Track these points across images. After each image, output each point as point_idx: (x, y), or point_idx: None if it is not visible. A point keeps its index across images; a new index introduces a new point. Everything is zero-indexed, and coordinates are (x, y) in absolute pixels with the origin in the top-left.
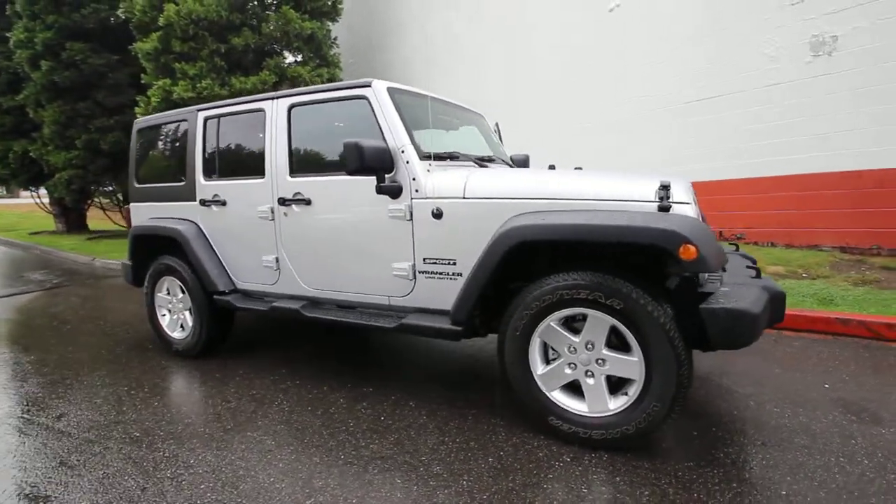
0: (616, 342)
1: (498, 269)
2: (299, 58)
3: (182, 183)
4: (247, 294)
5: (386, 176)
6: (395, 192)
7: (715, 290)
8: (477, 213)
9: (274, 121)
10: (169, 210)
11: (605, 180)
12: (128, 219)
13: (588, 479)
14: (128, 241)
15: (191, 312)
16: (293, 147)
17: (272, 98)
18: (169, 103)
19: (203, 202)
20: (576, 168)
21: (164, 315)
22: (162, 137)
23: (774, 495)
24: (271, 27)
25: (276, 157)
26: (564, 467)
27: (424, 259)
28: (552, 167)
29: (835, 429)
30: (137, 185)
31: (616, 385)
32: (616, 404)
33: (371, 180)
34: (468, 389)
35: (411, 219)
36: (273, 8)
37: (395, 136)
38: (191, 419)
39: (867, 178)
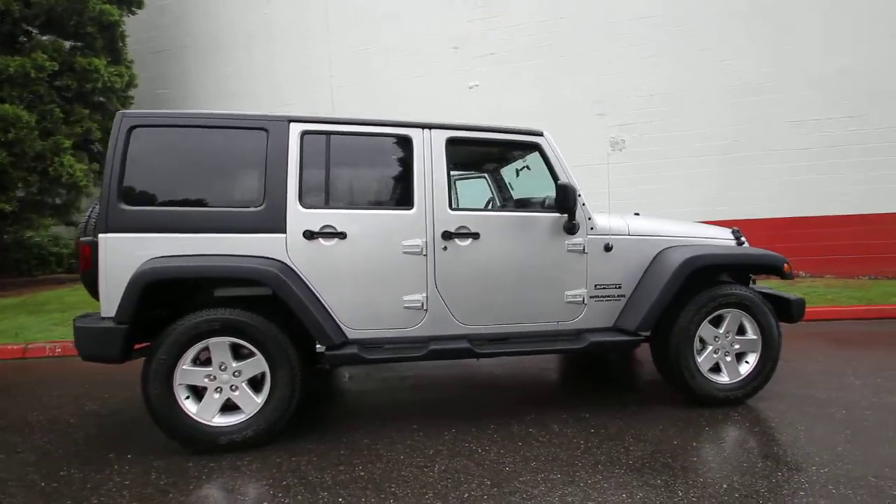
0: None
1: (683, 285)
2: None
3: (257, 209)
4: (363, 344)
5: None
6: (574, 229)
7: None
8: (638, 246)
9: (426, 151)
10: (217, 244)
11: (701, 227)
12: (87, 258)
13: (769, 420)
14: (128, 290)
15: (250, 385)
16: (452, 179)
17: (421, 126)
18: None
19: (309, 234)
20: (635, 213)
21: (187, 397)
22: (193, 144)
23: (848, 384)
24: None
25: (432, 188)
26: (746, 416)
27: (595, 285)
28: (637, 214)
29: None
30: (127, 208)
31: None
32: (744, 370)
33: (546, 217)
34: (615, 397)
35: (585, 252)
36: None
37: (572, 180)
38: (445, 488)
39: None
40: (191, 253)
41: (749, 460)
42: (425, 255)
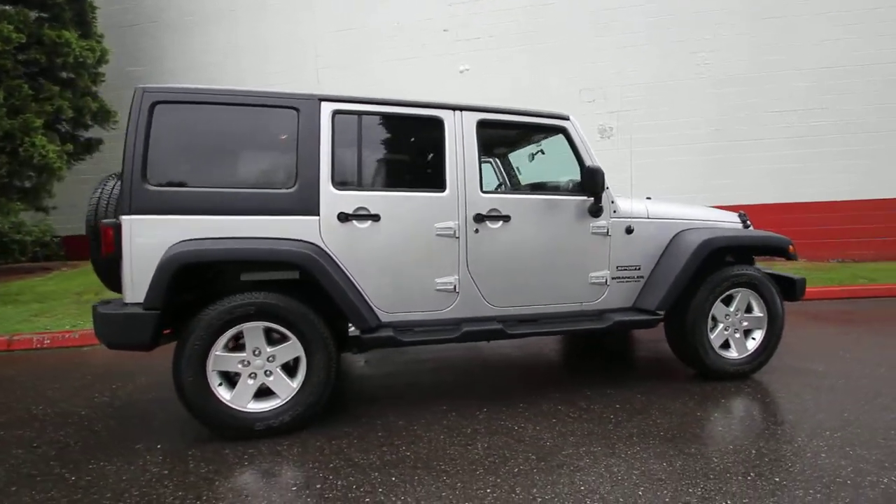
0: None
1: (700, 266)
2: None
3: (289, 190)
4: (396, 327)
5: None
6: (598, 212)
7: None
8: (656, 229)
9: (457, 133)
10: (248, 226)
11: (711, 210)
12: (110, 242)
13: (777, 391)
14: (158, 273)
15: (285, 369)
16: (482, 162)
17: (453, 108)
18: None
19: (343, 216)
20: (647, 197)
21: (220, 384)
22: (220, 122)
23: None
24: None
25: (464, 170)
26: (755, 388)
27: (618, 267)
28: (649, 198)
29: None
30: (152, 188)
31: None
32: (751, 346)
33: (573, 200)
34: (628, 374)
35: (609, 234)
36: None
37: (597, 164)
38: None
39: None
40: (221, 235)
41: (769, 428)
42: (458, 237)
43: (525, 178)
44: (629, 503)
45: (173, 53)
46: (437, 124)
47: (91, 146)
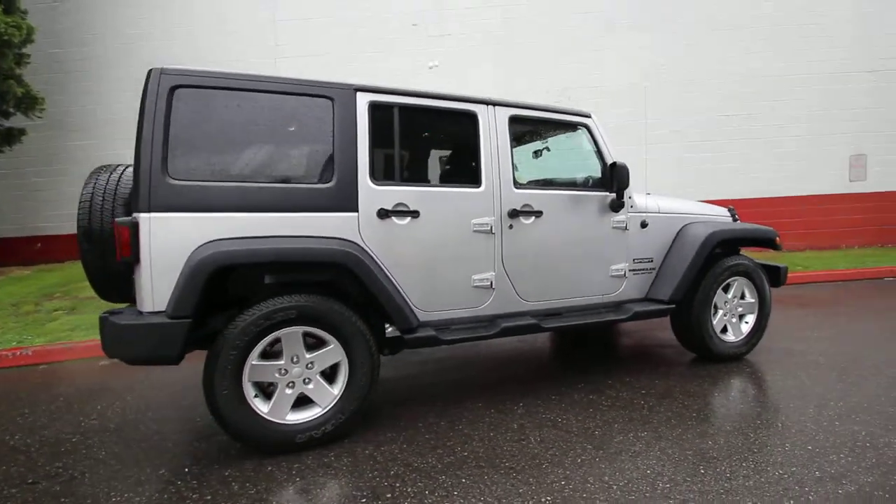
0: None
1: (707, 257)
2: None
3: (327, 186)
4: (435, 325)
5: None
6: (620, 207)
7: None
8: (666, 223)
9: (491, 128)
10: (284, 224)
11: (705, 205)
12: (126, 243)
13: (773, 370)
14: (191, 277)
15: (324, 376)
16: (514, 157)
17: (486, 103)
18: None
19: (383, 213)
20: (647, 193)
21: (255, 395)
22: (247, 110)
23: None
24: None
25: (499, 166)
26: (754, 368)
27: (634, 260)
28: (649, 193)
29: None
30: (175, 183)
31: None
32: (745, 329)
33: (597, 195)
34: (637, 362)
35: (627, 229)
36: None
37: (621, 160)
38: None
39: None
40: (252, 234)
41: (783, 403)
42: (493, 233)
43: (522, 175)
44: (697, 482)
45: (101, 35)
46: (472, 119)
47: (12, 136)
